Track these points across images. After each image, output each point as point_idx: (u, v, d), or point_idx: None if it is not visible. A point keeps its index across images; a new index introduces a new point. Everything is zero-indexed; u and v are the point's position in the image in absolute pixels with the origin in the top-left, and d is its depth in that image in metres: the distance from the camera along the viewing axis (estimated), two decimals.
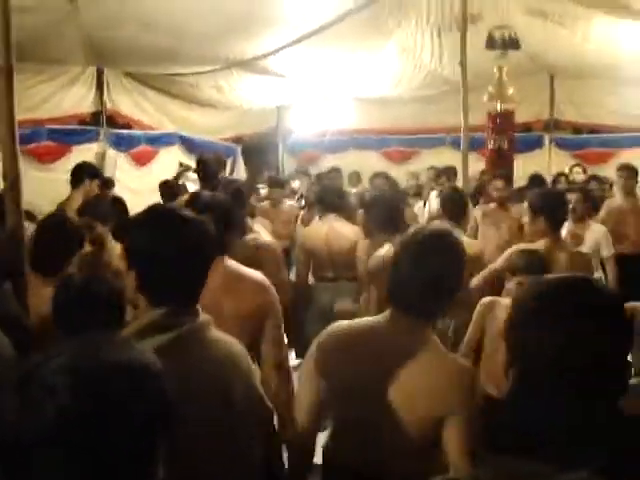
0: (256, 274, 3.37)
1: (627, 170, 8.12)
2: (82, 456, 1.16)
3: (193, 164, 11.46)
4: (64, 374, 1.18)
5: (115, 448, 1.19)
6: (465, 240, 5.18)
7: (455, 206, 5.56)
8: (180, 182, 9.65)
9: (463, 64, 8.09)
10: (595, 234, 6.76)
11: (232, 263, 3.31)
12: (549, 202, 4.88)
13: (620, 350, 1.39)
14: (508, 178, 7.42)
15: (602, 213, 7.69)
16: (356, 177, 11.75)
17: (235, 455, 2.22)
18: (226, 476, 2.19)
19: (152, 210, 2.30)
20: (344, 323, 2.61)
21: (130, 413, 1.22)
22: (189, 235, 2.17)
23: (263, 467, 2.35)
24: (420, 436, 2.36)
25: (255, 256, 4.86)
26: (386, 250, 4.60)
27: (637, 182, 8.06)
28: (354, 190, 10.30)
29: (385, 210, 5.32)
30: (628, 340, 1.42)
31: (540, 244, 4.62)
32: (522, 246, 4.69)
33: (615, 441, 1.28)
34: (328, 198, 6.26)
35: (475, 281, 4.82)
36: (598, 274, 6.59)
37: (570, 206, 6.84)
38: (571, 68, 11.64)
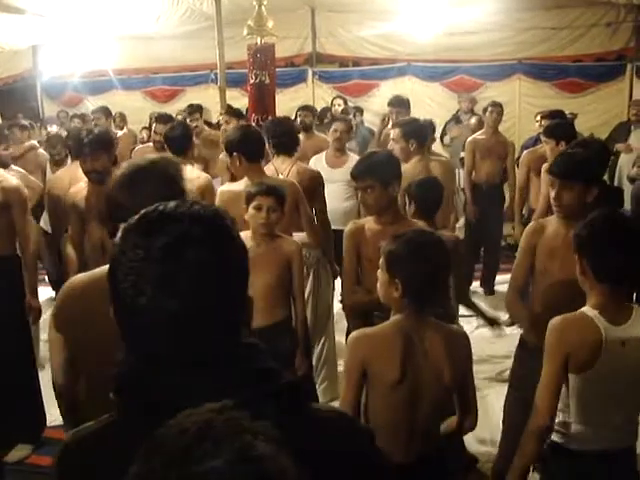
0: None
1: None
2: None
3: None
4: None
5: None
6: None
7: (174, 140, 5.88)
8: None
9: None
10: (352, 164, 6.87)
11: None
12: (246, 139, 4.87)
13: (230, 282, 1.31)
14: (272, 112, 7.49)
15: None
16: (121, 118, 11.37)
17: None
18: None
19: None
20: (81, 276, 2.47)
21: None
22: None
23: None
24: None
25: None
26: None
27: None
28: (120, 133, 9.99)
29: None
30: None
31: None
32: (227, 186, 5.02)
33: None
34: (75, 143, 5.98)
35: None
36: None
37: (337, 135, 7.02)
38: (330, 2, 11.86)
